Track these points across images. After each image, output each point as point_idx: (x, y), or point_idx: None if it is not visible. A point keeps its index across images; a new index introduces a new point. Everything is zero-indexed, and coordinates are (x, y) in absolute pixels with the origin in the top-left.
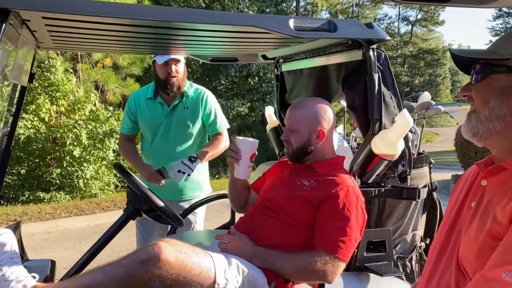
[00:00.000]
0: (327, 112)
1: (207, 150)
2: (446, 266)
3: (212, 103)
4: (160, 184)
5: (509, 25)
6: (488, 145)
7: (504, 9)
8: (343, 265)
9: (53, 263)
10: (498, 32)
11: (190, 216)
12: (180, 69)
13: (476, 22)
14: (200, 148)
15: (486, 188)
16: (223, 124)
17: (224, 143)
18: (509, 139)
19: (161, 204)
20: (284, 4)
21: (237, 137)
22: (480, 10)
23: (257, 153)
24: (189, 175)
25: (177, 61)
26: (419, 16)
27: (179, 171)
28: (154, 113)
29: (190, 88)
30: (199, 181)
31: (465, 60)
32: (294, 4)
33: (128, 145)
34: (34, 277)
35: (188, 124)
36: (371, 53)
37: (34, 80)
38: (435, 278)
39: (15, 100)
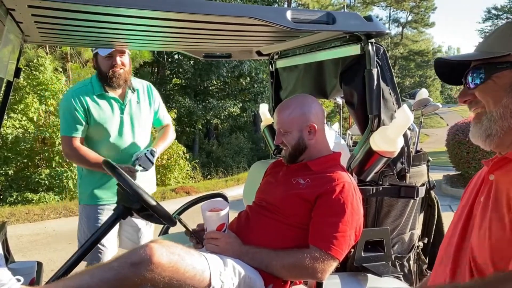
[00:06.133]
0: (313, 106)
1: (161, 143)
2: (458, 261)
3: (157, 94)
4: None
5: None
6: (499, 144)
7: (493, 11)
8: (335, 263)
9: (39, 265)
10: (487, 33)
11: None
12: (125, 61)
13: (466, 24)
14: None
15: (494, 181)
16: (167, 115)
17: (172, 135)
18: None
19: (153, 202)
20: (275, 5)
21: (202, 206)
22: (469, 12)
23: (228, 222)
24: (146, 168)
25: (121, 52)
26: (410, 18)
27: (147, 158)
28: (109, 110)
29: (135, 81)
30: (150, 176)
31: (459, 65)
32: (286, 5)
33: (88, 149)
34: (19, 280)
35: (144, 117)
36: (370, 47)
37: (22, 79)
38: (447, 274)
39: (1, 95)
